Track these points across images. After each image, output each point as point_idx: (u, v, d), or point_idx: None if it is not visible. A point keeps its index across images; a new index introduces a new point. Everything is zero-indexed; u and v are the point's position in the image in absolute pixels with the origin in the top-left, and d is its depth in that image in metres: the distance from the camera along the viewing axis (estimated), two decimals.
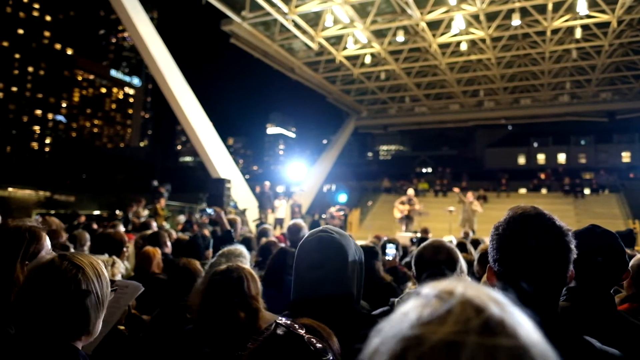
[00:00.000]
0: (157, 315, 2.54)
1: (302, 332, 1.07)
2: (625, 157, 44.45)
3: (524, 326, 0.47)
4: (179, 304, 2.42)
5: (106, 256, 3.20)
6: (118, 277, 3.02)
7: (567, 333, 1.12)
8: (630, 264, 2.47)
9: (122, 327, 2.09)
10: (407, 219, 13.88)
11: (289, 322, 1.12)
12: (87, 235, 4.88)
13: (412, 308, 0.48)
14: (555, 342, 1.13)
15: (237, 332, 1.65)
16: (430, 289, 0.50)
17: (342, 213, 16.32)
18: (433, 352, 0.43)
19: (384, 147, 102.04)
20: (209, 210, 11.44)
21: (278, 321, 1.12)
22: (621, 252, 1.64)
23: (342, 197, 19.85)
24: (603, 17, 13.61)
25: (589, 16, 13.58)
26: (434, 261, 1.99)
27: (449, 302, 0.47)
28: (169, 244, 4.85)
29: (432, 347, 0.43)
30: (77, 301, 1.23)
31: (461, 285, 0.50)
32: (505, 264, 1.17)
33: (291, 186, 19.57)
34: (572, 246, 1.15)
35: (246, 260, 2.85)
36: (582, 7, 12.49)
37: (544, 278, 1.14)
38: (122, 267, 2.69)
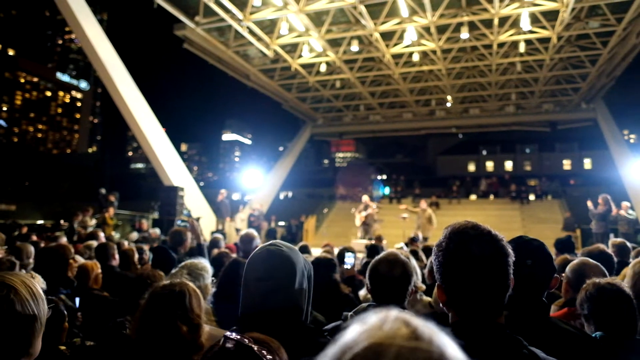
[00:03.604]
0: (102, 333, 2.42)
1: (251, 344, 1.07)
2: (566, 164, 47.13)
3: (450, 345, 0.54)
4: (119, 320, 2.32)
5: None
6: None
7: (511, 344, 1.15)
8: (567, 269, 2.60)
9: (63, 348, 1.98)
10: (365, 225, 14.04)
11: (238, 336, 1.11)
12: (32, 248, 4.65)
13: (355, 324, 0.56)
14: (500, 354, 1.17)
15: (179, 347, 1.60)
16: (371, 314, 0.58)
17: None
18: (365, 353, 0.51)
19: (340, 155, 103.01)
20: (179, 222, 11.14)
21: (227, 335, 1.11)
22: (548, 257, 1.69)
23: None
24: (544, 33, 14.41)
25: (531, 32, 14.34)
26: (390, 276, 1.99)
27: (386, 319, 0.55)
28: (117, 256, 4.69)
29: (365, 348, 0.51)
30: (13, 323, 1.18)
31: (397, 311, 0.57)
32: (452, 277, 1.20)
33: (246, 194, 19.35)
34: (510, 250, 1.21)
35: (208, 274, 2.77)
36: (525, 23, 13.19)
37: (489, 285, 1.17)
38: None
